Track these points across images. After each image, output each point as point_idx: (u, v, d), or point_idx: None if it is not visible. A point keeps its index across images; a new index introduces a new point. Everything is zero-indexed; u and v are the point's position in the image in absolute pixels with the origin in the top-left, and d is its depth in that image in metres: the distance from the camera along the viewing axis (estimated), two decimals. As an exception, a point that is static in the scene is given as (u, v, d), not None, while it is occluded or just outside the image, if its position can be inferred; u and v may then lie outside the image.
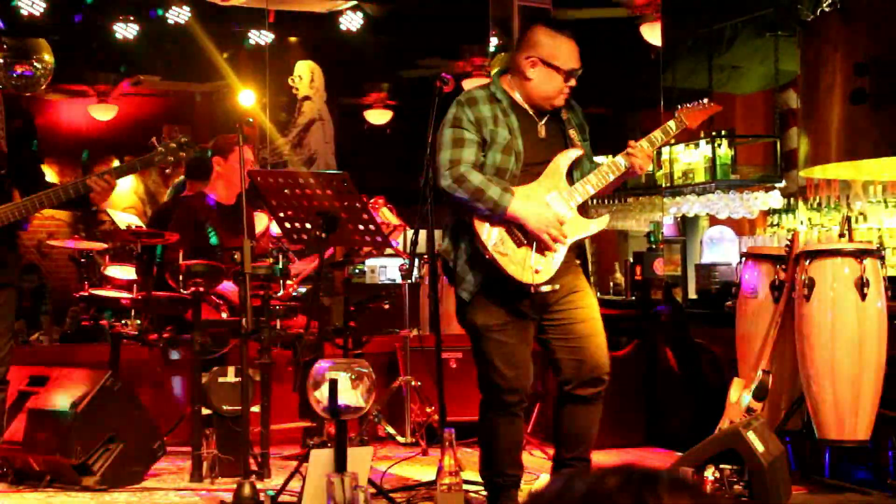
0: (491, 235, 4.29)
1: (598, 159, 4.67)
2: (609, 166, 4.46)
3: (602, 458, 4.71)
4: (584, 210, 4.49)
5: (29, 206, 4.79)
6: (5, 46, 8.87)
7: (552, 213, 4.34)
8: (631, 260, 7.52)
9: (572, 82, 4.43)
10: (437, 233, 4.76)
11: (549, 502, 1.50)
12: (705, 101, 4.74)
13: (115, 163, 12.45)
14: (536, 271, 4.30)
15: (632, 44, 9.75)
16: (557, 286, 4.35)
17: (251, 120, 5.12)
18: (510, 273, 4.28)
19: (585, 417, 4.50)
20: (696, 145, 8.09)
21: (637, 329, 6.83)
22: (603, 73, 9.79)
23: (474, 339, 4.46)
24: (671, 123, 4.63)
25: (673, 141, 8.30)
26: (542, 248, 4.33)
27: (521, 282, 4.29)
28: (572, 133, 4.51)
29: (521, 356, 4.43)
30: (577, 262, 4.53)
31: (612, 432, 6.14)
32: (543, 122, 4.48)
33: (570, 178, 4.47)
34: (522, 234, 4.31)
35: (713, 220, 8.58)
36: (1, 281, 4.85)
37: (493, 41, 8.79)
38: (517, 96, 4.44)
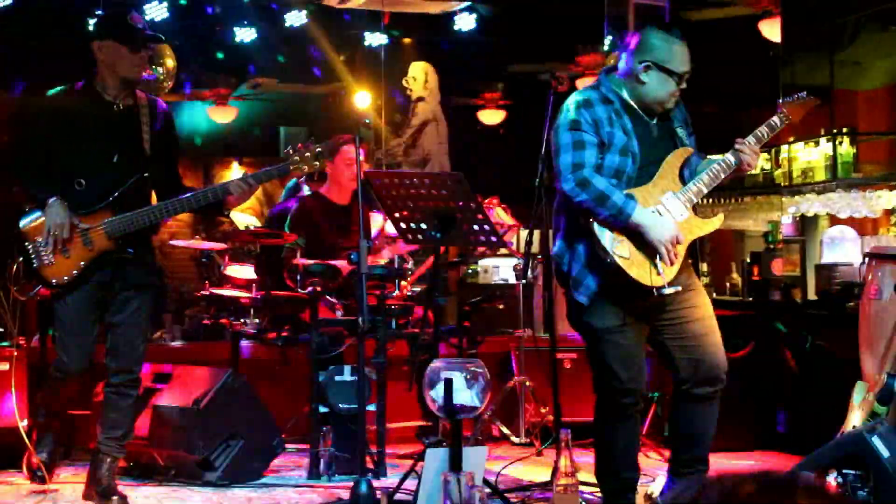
0: (612, 239, 4.26)
1: (712, 157, 4.62)
2: (720, 165, 4.42)
3: (717, 461, 4.65)
4: (697, 209, 4.45)
5: (168, 210, 4.92)
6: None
7: (672, 225, 4.30)
8: (748, 260, 7.41)
9: (683, 84, 4.40)
10: (552, 233, 4.74)
11: None
12: (804, 94, 4.67)
13: (235, 165, 12.72)
14: (659, 274, 4.26)
15: (748, 40, 9.60)
16: (680, 287, 4.31)
17: (368, 121, 5.16)
18: (633, 276, 4.24)
19: (702, 417, 4.45)
20: (816, 143, 7.92)
21: (754, 330, 6.72)
22: (718, 71, 9.66)
23: (590, 341, 4.44)
24: (776, 119, 4.58)
25: (792, 139, 8.15)
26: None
27: (644, 285, 4.26)
28: (680, 131, 4.47)
29: (637, 358, 4.40)
30: (689, 260, 4.49)
31: (728, 435, 6.03)
32: (654, 121, 4.45)
33: (681, 175, 4.44)
34: (634, 241, 4.28)
35: (833, 220, 8.39)
36: (141, 283, 5.01)
37: (609, 39, 8.73)
38: (625, 95, 4.41)
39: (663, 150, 4.42)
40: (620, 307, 4.35)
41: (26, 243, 4.89)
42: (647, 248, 4.26)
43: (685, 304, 4.41)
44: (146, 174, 4.96)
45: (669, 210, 4.33)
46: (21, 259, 4.90)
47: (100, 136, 4.94)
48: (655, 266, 4.25)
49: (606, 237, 4.25)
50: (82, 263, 4.88)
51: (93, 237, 4.88)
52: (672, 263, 4.28)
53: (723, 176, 4.41)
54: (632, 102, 4.40)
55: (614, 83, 4.43)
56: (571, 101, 4.40)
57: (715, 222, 4.48)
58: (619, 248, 4.25)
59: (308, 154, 5.06)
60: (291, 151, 5.08)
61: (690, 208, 4.39)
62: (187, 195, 4.97)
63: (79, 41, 5.29)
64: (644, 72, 4.34)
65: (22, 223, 4.92)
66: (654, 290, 4.25)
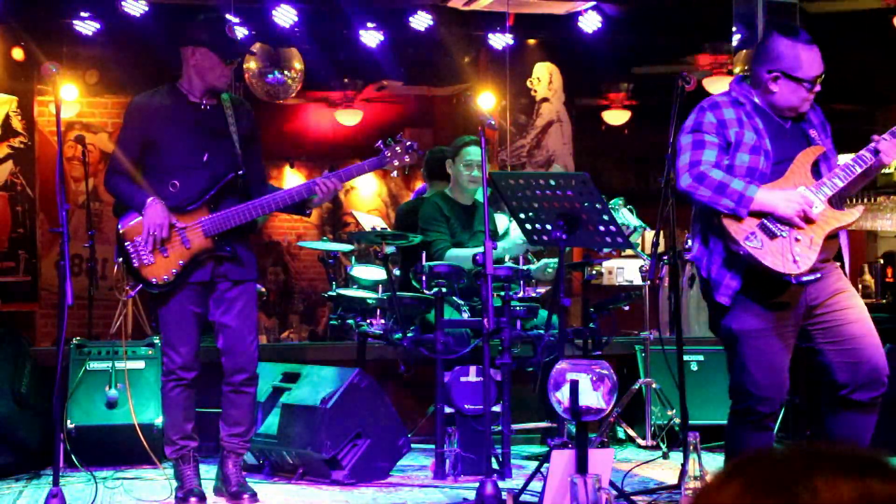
0: (742, 231, 4.19)
1: (845, 157, 4.51)
2: (855, 160, 4.32)
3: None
4: (834, 204, 4.34)
5: (261, 208, 5.00)
6: (259, 56, 9.30)
7: (798, 192, 4.22)
8: (881, 261, 7.23)
9: (816, 88, 4.30)
10: (679, 233, 4.69)
11: None
12: None
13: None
14: (795, 261, 4.17)
15: (884, 36, 9.35)
16: (819, 275, 4.20)
17: (493, 122, 5.17)
18: (769, 265, 4.15)
19: (861, 424, 4.29)
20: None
21: (890, 333, 6.53)
22: (852, 68, 9.43)
23: (730, 345, 4.35)
24: None
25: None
26: (798, 234, 4.20)
27: (781, 273, 4.16)
28: (813, 132, 4.38)
29: (779, 364, 4.28)
30: (838, 263, 4.39)
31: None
32: (788, 124, 4.37)
33: (819, 175, 4.34)
34: (774, 225, 4.20)
35: (973, 220, 8.12)
36: (241, 279, 5.09)
37: (736, 38, 8.59)
38: (757, 101, 4.35)
39: (797, 148, 4.33)
40: (763, 310, 4.25)
41: (126, 244, 4.96)
42: (781, 235, 4.17)
43: (838, 305, 4.30)
44: (240, 172, 5.04)
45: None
46: (121, 259, 5.00)
47: (189, 137, 5.00)
48: (792, 254, 4.16)
49: (737, 229, 4.18)
50: (181, 262, 4.95)
51: (190, 236, 4.95)
52: (812, 219, 4.18)
53: (858, 170, 4.30)
54: (764, 107, 4.33)
55: (745, 90, 4.38)
56: (699, 105, 4.37)
57: (854, 213, 4.37)
58: (750, 238, 4.17)
59: (399, 149, 5.09)
60: (382, 146, 5.11)
61: (826, 200, 4.29)
62: (279, 193, 5.04)
63: (170, 42, 5.34)
64: (772, 82, 4.27)
65: (121, 224, 5.00)
66: (793, 277, 4.15)
